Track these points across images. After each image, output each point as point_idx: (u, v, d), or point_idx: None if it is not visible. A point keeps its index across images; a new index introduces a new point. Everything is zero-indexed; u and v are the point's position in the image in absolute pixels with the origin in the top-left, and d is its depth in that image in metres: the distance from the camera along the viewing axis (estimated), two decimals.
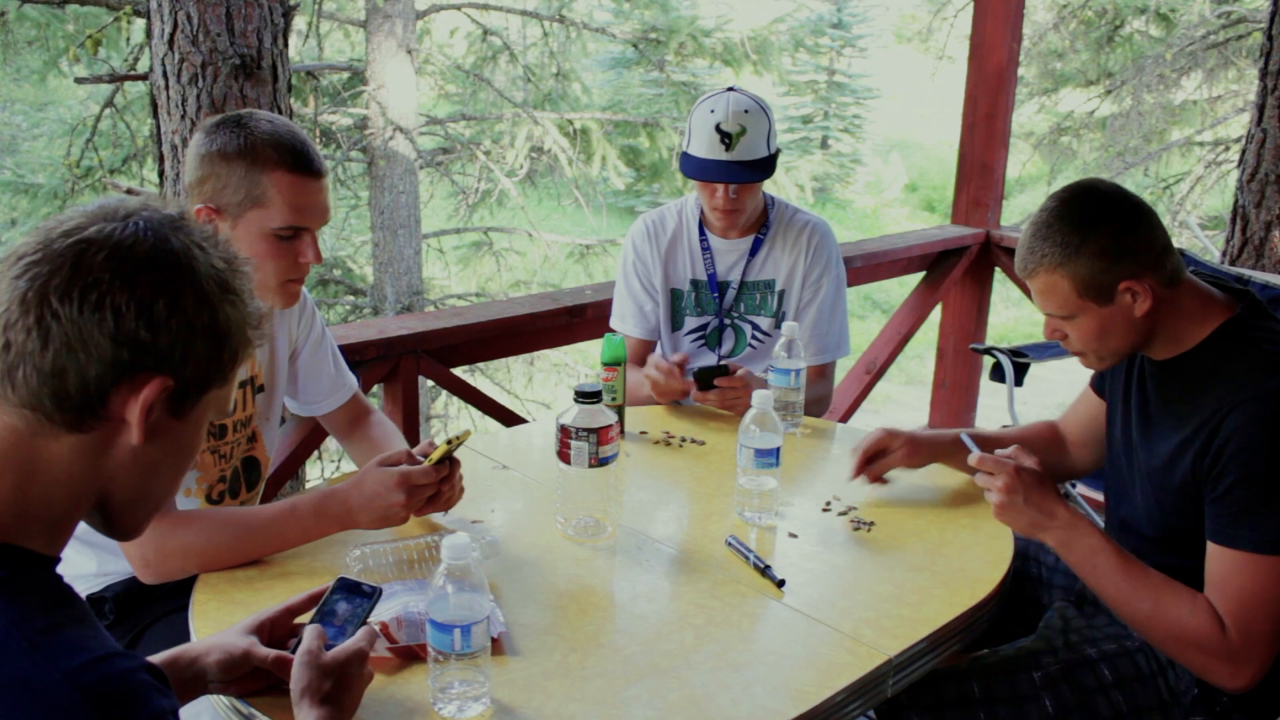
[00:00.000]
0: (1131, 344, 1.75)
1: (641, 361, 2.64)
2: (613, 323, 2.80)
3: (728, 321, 2.70)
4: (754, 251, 2.67)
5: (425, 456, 1.75)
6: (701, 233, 2.70)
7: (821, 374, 2.70)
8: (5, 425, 0.99)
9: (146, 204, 1.05)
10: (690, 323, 2.72)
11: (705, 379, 2.36)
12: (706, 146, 2.51)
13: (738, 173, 2.51)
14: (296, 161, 1.74)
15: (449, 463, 1.77)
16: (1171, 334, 1.73)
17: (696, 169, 2.53)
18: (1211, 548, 1.63)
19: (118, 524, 1.09)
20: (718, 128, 2.49)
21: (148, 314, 0.98)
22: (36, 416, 0.98)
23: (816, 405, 2.63)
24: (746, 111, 2.51)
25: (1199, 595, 1.63)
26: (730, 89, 2.58)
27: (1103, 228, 1.67)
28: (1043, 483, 1.74)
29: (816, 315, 2.68)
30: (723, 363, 2.42)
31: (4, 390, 0.98)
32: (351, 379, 2.18)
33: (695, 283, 2.71)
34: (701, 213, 2.69)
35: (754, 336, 2.70)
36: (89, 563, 1.83)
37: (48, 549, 1.02)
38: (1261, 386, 1.59)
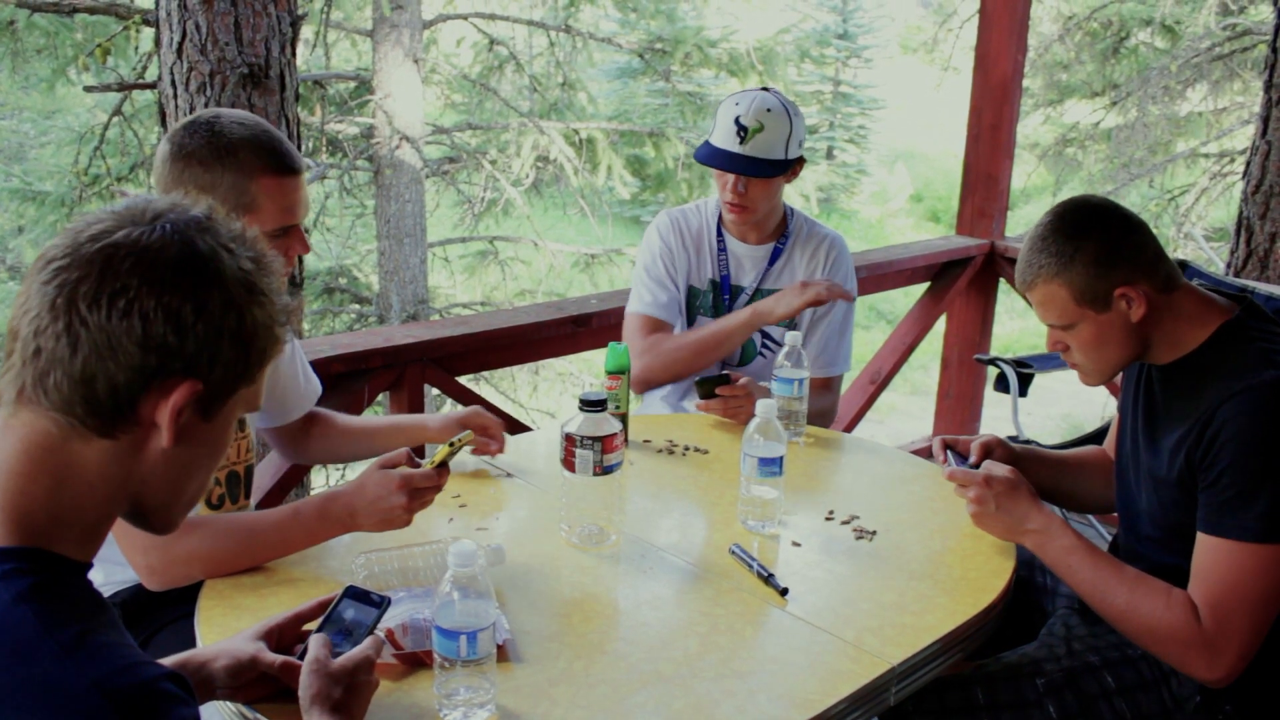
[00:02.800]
0: (1130, 352, 1.78)
1: (655, 328, 2.66)
2: (631, 307, 2.73)
3: None
4: (772, 260, 2.69)
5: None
6: (719, 234, 2.71)
7: (828, 386, 2.70)
8: (40, 430, 1.00)
9: (175, 204, 1.05)
10: (702, 322, 2.72)
11: (707, 388, 2.36)
12: (723, 137, 2.54)
13: (744, 165, 2.53)
14: (280, 163, 1.75)
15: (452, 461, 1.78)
16: (1171, 338, 1.76)
17: (705, 154, 2.57)
18: (1198, 538, 1.65)
19: (152, 521, 1.11)
20: (736, 120, 2.52)
21: (175, 319, 0.99)
22: (69, 421, 0.99)
23: (822, 418, 2.63)
24: (769, 110, 2.53)
25: (1175, 589, 1.65)
26: (765, 89, 2.61)
27: (1095, 236, 1.72)
28: (1014, 489, 1.81)
29: (828, 329, 2.69)
30: (725, 372, 2.43)
31: (37, 395, 0.99)
32: (316, 387, 2.18)
33: (713, 283, 2.72)
34: (720, 216, 2.71)
35: (764, 345, 2.71)
36: (95, 574, 1.82)
37: (80, 555, 1.03)
38: (1254, 378, 1.62)
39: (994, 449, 2.00)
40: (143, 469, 1.04)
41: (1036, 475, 1.98)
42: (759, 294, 2.69)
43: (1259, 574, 1.59)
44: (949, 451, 1.99)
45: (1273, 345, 1.68)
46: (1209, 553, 1.63)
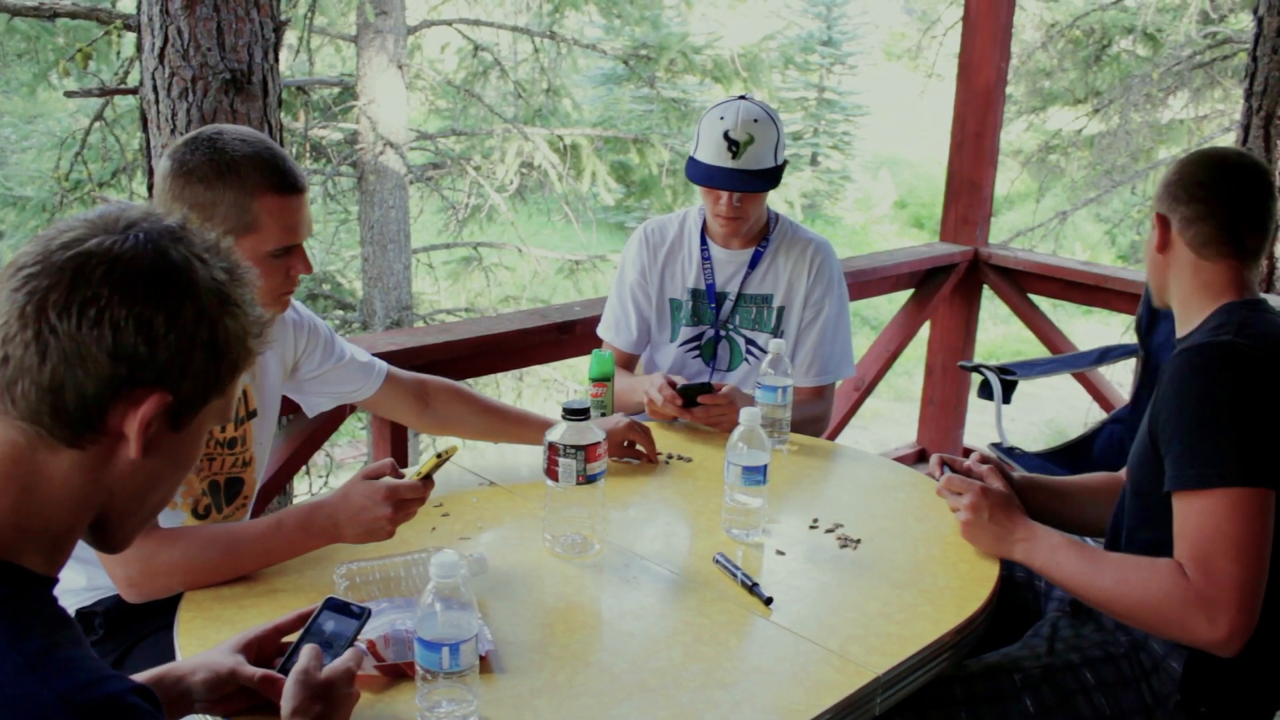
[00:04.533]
0: (1155, 278, 1.88)
1: (627, 368, 2.72)
2: (599, 331, 2.83)
3: (723, 333, 2.70)
4: (753, 264, 2.68)
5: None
6: (703, 242, 2.70)
7: (820, 394, 2.70)
8: (6, 440, 0.99)
9: (148, 213, 1.03)
10: (685, 333, 2.72)
11: (690, 396, 2.36)
12: (714, 153, 2.51)
13: (743, 181, 2.51)
14: (283, 182, 1.73)
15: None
16: (1180, 298, 1.83)
17: (702, 175, 2.54)
18: (1174, 499, 1.66)
19: (111, 536, 1.09)
20: (726, 135, 2.50)
21: (146, 329, 0.98)
22: (36, 431, 0.98)
23: (813, 425, 2.62)
24: (756, 121, 2.51)
25: (1157, 559, 1.65)
26: (742, 98, 2.58)
27: (1184, 172, 1.84)
28: (1007, 502, 1.84)
29: (819, 336, 2.68)
30: (707, 380, 2.42)
31: (4, 404, 0.98)
32: (381, 362, 2.19)
33: (694, 292, 2.71)
34: (704, 222, 2.70)
35: (749, 351, 2.70)
36: (79, 578, 1.82)
37: (46, 569, 1.01)
38: (1187, 343, 1.70)
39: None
40: (110, 480, 1.03)
41: (1039, 502, 1.99)
42: (741, 299, 2.68)
43: (1228, 517, 1.58)
44: (945, 468, 1.99)
45: (1243, 321, 1.71)
46: (1180, 511, 1.65)
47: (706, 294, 2.69)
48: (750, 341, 2.70)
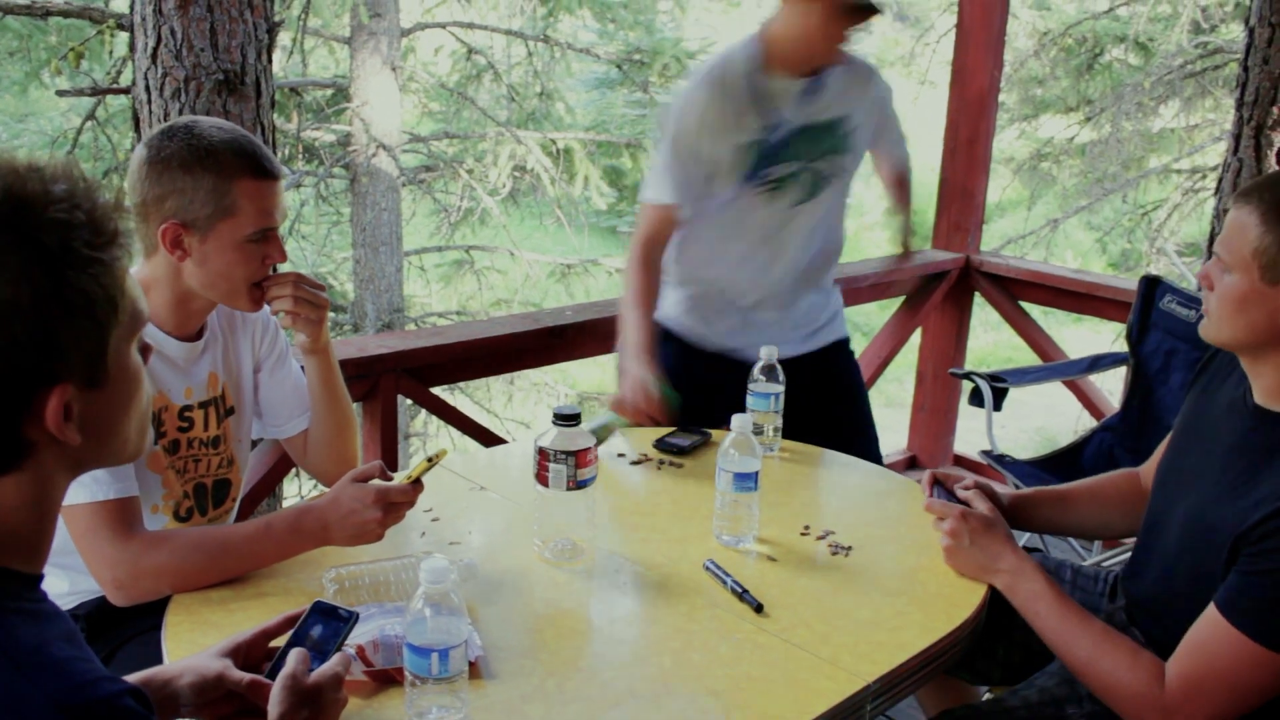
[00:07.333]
0: (1254, 337, 1.58)
1: (667, 229, 2.53)
2: (651, 195, 2.54)
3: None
4: (814, 90, 2.62)
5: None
6: (762, 74, 2.56)
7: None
8: None
9: None
10: (764, 174, 2.56)
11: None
12: None
13: None
14: (258, 167, 1.76)
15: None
16: None
17: None
18: (1212, 610, 1.53)
19: (110, 463, 1.07)
20: None
21: (3, 342, 0.92)
22: None
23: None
24: None
25: (1143, 651, 1.60)
26: None
27: None
28: (990, 527, 1.79)
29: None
30: (701, 436, 2.37)
31: None
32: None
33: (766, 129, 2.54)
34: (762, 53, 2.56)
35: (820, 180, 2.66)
36: (61, 583, 1.81)
37: (29, 567, 1.00)
38: None
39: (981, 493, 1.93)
40: (66, 462, 1.00)
41: (1041, 515, 1.96)
42: (804, 130, 2.59)
43: (1250, 669, 1.49)
44: (936, 486, 1.96)
45: None
46: (1214, 631, 1.52)
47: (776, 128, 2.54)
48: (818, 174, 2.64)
